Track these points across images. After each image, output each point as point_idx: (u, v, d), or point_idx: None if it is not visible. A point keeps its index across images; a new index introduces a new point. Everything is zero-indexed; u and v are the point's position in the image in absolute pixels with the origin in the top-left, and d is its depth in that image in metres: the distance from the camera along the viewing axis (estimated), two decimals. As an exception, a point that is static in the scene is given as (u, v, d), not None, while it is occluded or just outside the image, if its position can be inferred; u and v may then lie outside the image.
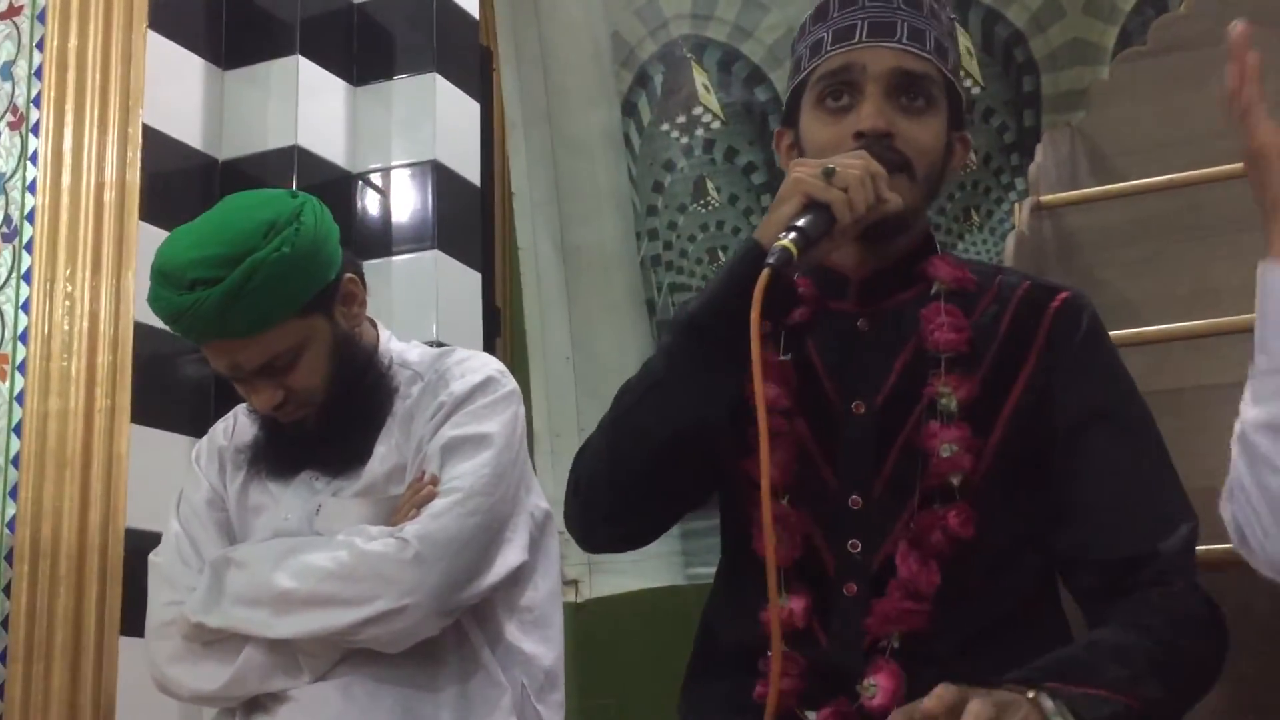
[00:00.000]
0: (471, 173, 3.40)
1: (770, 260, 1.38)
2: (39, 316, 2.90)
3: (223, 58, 3.23)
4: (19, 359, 2.91)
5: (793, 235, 1.40)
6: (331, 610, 1.87)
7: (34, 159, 2.99)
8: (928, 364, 1.51)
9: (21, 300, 2.94)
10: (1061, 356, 1.52)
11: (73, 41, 3.01)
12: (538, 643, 2.03)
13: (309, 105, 3.20)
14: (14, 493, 2.84)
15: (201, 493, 2.08)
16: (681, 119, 3.69)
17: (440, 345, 2.33)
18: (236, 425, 2.13)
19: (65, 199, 2.94)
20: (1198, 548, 1.49)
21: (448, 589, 1.87)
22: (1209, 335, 2.16)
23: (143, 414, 2.86)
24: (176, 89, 3.10)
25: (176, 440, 2.91)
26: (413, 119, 3.29)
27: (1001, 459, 1.49)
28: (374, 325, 2.12)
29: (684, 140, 3.68)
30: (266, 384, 1.96)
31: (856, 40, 1.54)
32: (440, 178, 3.27)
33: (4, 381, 2.90)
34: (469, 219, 3.39)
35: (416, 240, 3.24)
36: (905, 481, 1.48)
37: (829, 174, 1.42)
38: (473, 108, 3.44)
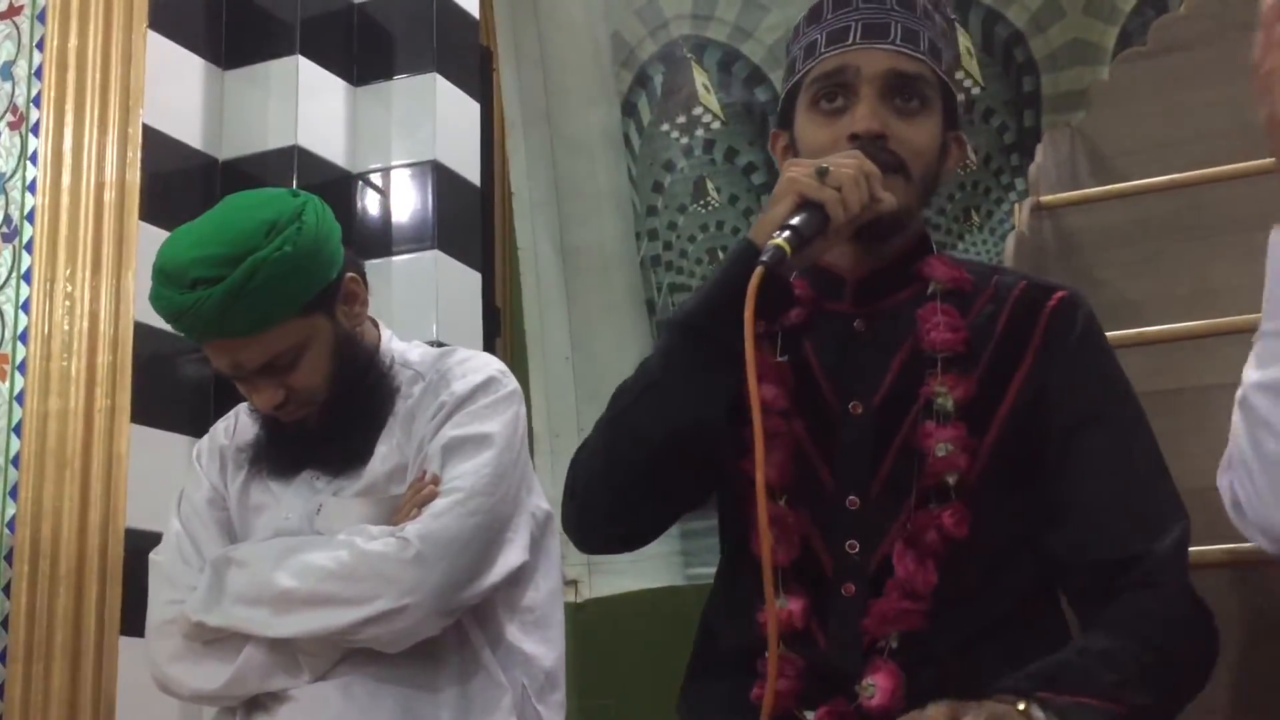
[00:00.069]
0: (471, 173, 3.40)
1: (764, 259, 1.38)
2: (39, 316, 2.91)
3: (223, 58, 3.23)
4: (19, 359, 2.91)
5: (786, 234, 1.40)
6: (332, 610, 1.86)
7: (34, 159, 2.99)
8: (924, 364, 1.51)
9: (21, 300, 2.94)
10: (1057, 356, 1.52)
11: (73, 41, 3.01)
12: (538, 643, 2.03)
13: (309, 105, 3.20)
14: (14, 493, 2.85)
15: (202, 492, 2.08)
16: (681, 119, 3.69)
17: (440, 345, 2.33)
18: (238, 424, 2.13)
19: (65, 199, 2.94)
20: (1193, 548, 1.49)
21: (448, 589, 1.87)
22: (1209, 335, 2.15)
23: (143, 414, 2.86)
24: (176, 89, 3.10)
25: (176, 440, 2.91)
26: (413, 119, 3.29)
27: (997, 459, 1.49)
28: (375, 325, 2.11)
29: (684, 140, 3.68)
30: (268, 383, 1.96)
31: (850, 42, 1.54)
32: (440, 178, 3.27)
33: (4, 381, 2.90)
34: (469, 219, 3.38)
35: (416, 240, 3.24)
36: (902, 481, 1.48)
37: (823, 173, 1.43)
38: (473, 108, 3.44)
